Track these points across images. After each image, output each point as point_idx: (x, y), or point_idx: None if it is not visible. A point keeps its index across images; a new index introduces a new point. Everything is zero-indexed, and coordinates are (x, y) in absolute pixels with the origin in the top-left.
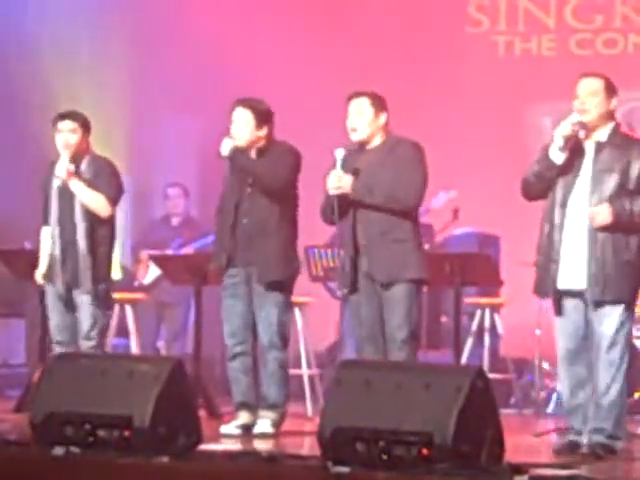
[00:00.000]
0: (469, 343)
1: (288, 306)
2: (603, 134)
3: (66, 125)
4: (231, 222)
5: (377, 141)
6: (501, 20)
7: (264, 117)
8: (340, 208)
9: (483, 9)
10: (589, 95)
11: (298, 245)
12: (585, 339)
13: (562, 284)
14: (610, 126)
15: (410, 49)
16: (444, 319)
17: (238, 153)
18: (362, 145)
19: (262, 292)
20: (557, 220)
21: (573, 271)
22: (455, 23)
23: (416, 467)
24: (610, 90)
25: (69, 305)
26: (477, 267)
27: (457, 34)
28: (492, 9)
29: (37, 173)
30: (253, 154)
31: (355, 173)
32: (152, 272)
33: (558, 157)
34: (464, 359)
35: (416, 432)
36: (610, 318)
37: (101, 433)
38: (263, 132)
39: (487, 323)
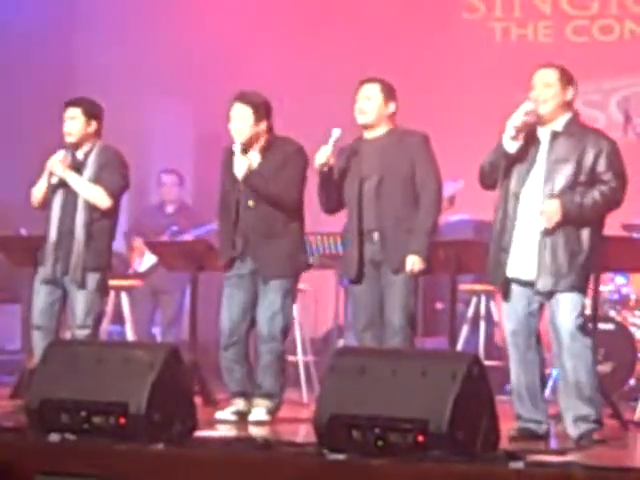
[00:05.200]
0: (465, 330)
1: (292, 299)
2: (559, 124)
3: (68, 113)
4: (234, 218)
5: (383, 130)
6: (497, 6)
7: (263, 111)
8: (321, 186)
9: None
10: (544, 86)
11: None
12: (530, 324)
13: (511, 272)
14: (567, 116)
15: (406, 35)
16: (440, 306)
17: (252, 175)
18: (365, 130)
19: (268, 284)
20: (510, 209)
21: (523, 261)
22: (451, 9)
23: (411, 454)
24: (566, 80)
25: (57, 291)
26: (473, 254)
27: (453, 20)
28: None
29: (32, 160)
30: (257, 153)
31: (354, 154)
32: (147, 260)
33: (511, 146)
34: (460, 346)
35: (412, 419)
36: (566, 310)
37: (97, 420)
38: (262, 126)
39: (483, 310)
